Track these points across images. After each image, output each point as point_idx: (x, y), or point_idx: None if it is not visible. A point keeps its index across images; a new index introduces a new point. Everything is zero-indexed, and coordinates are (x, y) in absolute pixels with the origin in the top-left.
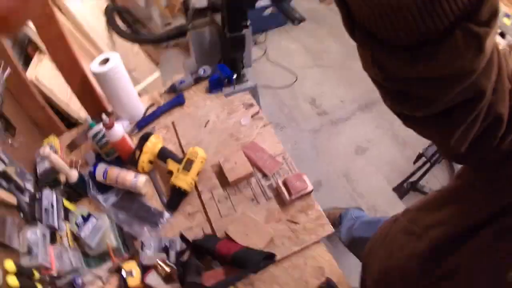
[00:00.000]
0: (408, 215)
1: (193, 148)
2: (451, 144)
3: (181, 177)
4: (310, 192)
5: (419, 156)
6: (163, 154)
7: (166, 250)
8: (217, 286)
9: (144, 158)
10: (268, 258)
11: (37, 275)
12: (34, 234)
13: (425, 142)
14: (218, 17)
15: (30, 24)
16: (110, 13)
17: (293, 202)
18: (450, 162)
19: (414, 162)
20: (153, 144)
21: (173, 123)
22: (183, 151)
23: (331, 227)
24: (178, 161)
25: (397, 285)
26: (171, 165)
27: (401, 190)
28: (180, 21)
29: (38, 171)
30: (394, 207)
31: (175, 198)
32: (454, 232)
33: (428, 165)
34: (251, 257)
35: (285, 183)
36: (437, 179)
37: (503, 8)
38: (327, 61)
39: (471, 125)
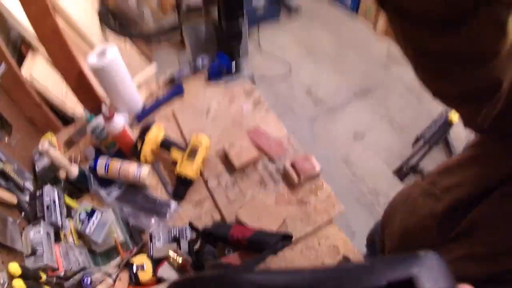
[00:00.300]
0: (429, 178)
1: (196, 135)
2: (477, 121)
3: (187, 165)
4: (318, 173)
5: (418, 139)
6: (166, 143)
7: (176, 240)
8: (247, 263)
9: (147, 148)
10: (284, 239)
11: (44, 277)
12: (37, 233)
13: (422, 126)
14: (212, 10)
15: (23, 22)
16: (103, 11)
17: (302, 184)
18: (448, 145)
19: (413, 144)
20: (155, 134)
21: (173, 113)
22: (185, 141)
23: (342, 206)
24: (182, 149)
25: (416, 240)
26: (175, 153)
27: (401, 173)
28: (172, 19)
29: (36, 168)
30: (395, 189)
31: (181, 187)
32: (471, 194)
33: (426, 147)
34: (268, 238)
35: (293, 165)
36: (436, 162)
37: None
38: (320, 51)
39: (495, 105)
